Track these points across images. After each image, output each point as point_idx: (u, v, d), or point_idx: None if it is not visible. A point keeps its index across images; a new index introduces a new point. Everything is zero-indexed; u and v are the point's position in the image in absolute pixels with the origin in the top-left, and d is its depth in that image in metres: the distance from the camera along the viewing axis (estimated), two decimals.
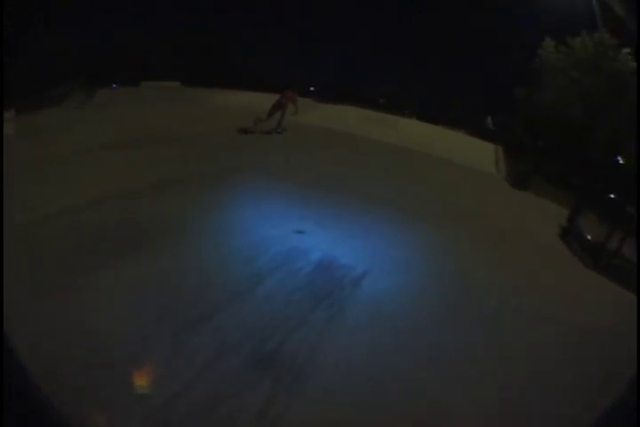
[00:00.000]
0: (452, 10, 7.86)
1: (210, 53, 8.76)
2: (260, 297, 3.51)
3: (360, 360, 2.97)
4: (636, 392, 1.64)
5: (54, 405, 1.71)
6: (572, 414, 2.61)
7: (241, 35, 8.40)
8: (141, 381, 2.53)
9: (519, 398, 2.86)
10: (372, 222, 5.33)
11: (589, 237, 6.01)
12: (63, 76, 6.13)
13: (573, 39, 7.57)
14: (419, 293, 3.99)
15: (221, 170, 6.10)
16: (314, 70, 8.34)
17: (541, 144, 7.81)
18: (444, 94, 8.68)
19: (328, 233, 4.85)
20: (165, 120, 7.29)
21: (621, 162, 6.99)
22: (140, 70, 7.91)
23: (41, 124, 5.77)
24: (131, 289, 3.25)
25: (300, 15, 8.30)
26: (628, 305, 3.64)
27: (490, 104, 8.44)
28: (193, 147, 6.69)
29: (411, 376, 2.89)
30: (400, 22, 8.22)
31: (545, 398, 2.87)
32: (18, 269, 2.60)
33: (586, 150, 7.32)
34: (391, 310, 3.63)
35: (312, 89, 8.70)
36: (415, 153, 8.21)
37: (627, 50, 6.94)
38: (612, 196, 6.32)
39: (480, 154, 8.32)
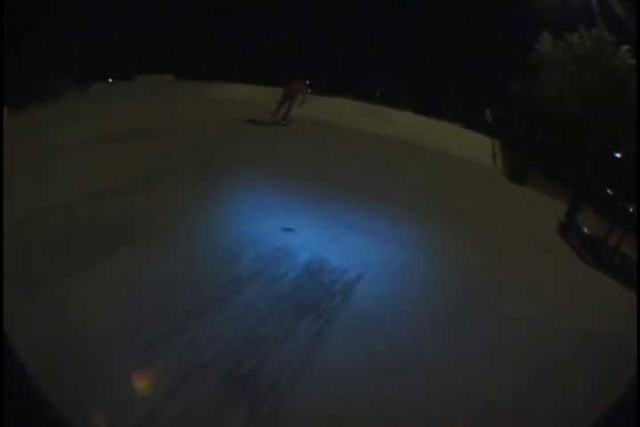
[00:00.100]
0: (452, 10, 7.85)
1: (210, 53, 8.75)
2: (238, 307, 3.09)
3: (352, 384, 2.60)
4: (636, 392, 1.63)
5: (54, 405, 1.71)
6: (572, 414, 2.61)
7: (241, 35, 8.40)
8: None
9: (519, 398, 2.86)
10: (368, 218, 5.06)
11: (589, 234, 5.98)
12: (58, 73, 6.09)
13: (571, 35, 7.57)
14: (419, 298, 3.66)
15: (209, 163, 5.80)
16: (314, 70, 8.33)
17: (539, 139, 7.79)
18: (444, 93, 8.69)
19: (319, 230, 4.49)
20: (161, 113, 7.19)
21: (619, 157, 6.98)
22: (139, 68, 7.90)
23: (34, 120, 5.60)
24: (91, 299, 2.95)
25: (300, 15, 8.30)
26: (629, 304, 3.62)
27: (488, 98, 8.43)
28: (188, 139, 6.50)
29: (414, 407, 2.51)
30: (400, 22, 8.21)
31: (545, 399, 2.87)
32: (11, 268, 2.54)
33: (583, 146, 7.31)
34: (389, 320, 3.28)
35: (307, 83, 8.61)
36: (411, 146, 8.09)
37: (625, 47, 6.94)
38: (610, 191, 6.30)
39: (477, 147, 8.28)
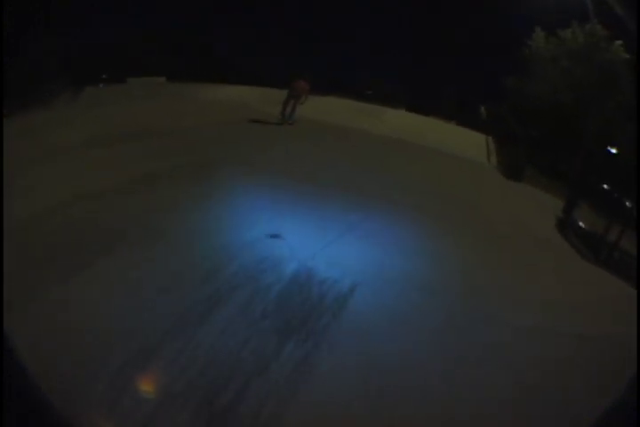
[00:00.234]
0: (452, 10, 7.86)
1: (209, 53, 8.75)
2: (213, 329, 2.72)
3: (344, 421, 2.26)
4: (636, 392, 1.64)
5: (54, 405, 1.71)
6: (572, 414, 2.61)
7: (241, 35, 8.40)
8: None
9: (519, 398, 2.86)
10: (363, 219, 4.88)
11: (587, 230, 5.97)
12: (50, 76, 6.08)
13: (564, 31, 7.58)
14: (418, 315, 3.34)
15: (200, 164, 5.55)
16: (314, 70, 8.32)
17: (534, 135, 7.79)
18: (442, 93, 8.71)
19: (310, 235, 4.17)
20: (154, 115, 7.16)
21: (614, 152, 6.97)
22: (136, 70, 7.90)
23: (32, 122, 5.58)
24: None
25: (300, 15, 8.30)
26: (629, 303, 3.61)
27: (484, 96, 8.45)
28: (182, 141, 6.39)
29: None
30: (400, 22, 8.22)
31: (545, 399, 2.87)
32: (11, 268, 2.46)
33: (578, 141, 7.31)
34: (385, 340, 2.94)
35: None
36: (406, 144, 8.04)
37: (619, 41, 6.95)
38: (606, 186, 6.29)
39: (471, 144, 8.27)
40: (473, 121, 8.57)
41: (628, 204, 5.65)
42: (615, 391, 1.70)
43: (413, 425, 2.51)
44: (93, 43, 6.97)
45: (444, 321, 3.47)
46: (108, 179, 4.73)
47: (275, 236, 4.05)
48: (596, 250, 5.49)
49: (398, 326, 3.22)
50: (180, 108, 7.66)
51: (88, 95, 6.87)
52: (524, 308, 3.99)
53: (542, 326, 3.73)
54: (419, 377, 2.74)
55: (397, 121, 8.71)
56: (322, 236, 4.27)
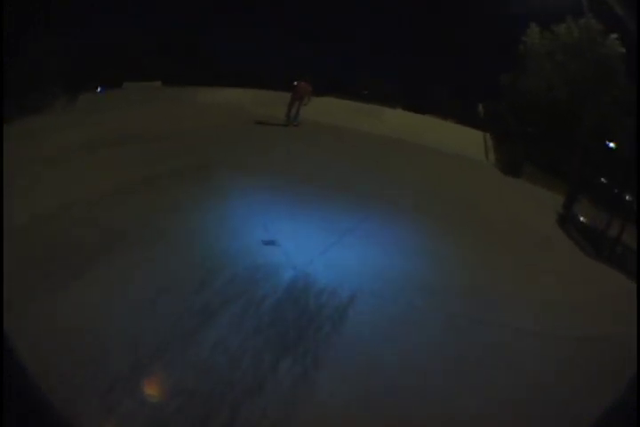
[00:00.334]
0: (451, 10, 7.86)
1: (208, 54, 8.75)
2: (205, 346, 2.57)
3: (345, 420, 2.20)
4: (636, 392, 1.64)
5: (54, 405, 1.71)
6: (572, 414, 2.61)
7: (241, 35, 8.40)
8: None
9: (519, 398, 2.86)
10: (362, 221, 4.83)
11: (588, 225, 5.95)
12: (50, 77, 6.08)
13: (558, 26, 7.57)
14: (419, 325, 3.22)
15: (199, 166, 5.49)
16: (314, 70, 8.33)
17: (532, 131, 7.79)
18: (440, 92, 8.71)
19: (307, 242, 4.03)
20: (153, 119, 7.16)
21: (612, 146, 6.96)
22: (138, 71, 7.90)
23: (25, 129, 5.54)
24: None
25: (300, 15, 8.30)
26: (629, 303, 3.60)
27: (482, 93, 8.45)
28: (180, 144, 6.34)
29: None
30: (400, 22, 8.22)
31: (545, 399, 2.87)
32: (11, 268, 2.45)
33: (574, 136, 7.30)
34: (385, 341, 2.87)
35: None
36: (403, 143, 8.01)
37: (614, 35, 6.93)
38: (604, 180, 6.29)
39: (470, 142, 8.26)
40: (471, 119, 8.57)
41: (627, 197, 5.65)
42: (615, 391, 1.70)
43: (413, 425, 2.52)
44: (93, 43, 6.97)
45: (444, 321, 3.49)
46: (107, 181, 4.76)
47: (269, 242, 3.90)
48: (598, 245, 5.46)
49: (398, 327, 3.23)
50: (178, 112, 7.66)
51: (86, 100, 6.88)
52: (523, 308, 3.99)
53: (542, 326, 3.73)
54: (419, 377, 2.71)
55: (396, 121, 8.70)
56: (322, 238, 4.25)
